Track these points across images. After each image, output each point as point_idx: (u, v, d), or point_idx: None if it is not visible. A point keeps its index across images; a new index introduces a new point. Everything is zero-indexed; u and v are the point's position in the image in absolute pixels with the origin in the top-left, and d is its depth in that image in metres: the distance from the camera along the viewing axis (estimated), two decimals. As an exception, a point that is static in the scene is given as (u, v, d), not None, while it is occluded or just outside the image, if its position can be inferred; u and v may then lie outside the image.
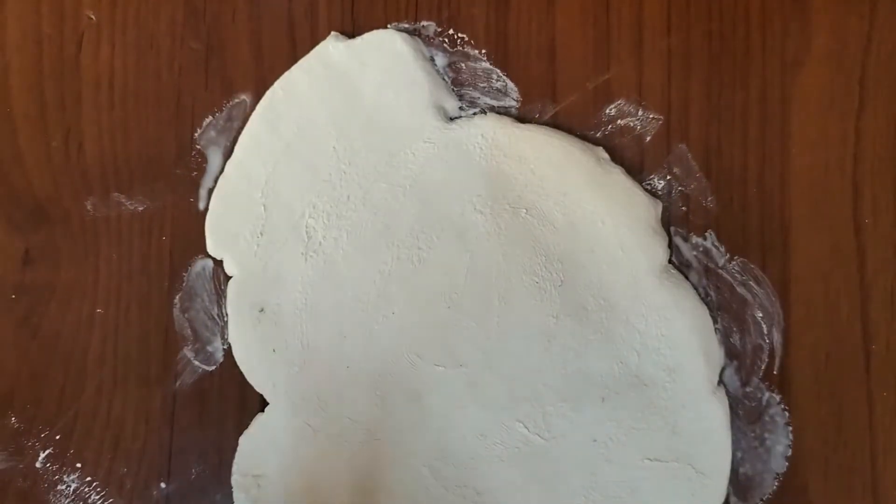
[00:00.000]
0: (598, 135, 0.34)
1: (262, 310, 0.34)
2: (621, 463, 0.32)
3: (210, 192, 0.35)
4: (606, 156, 0.33)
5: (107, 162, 0.36)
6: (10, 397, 0.35)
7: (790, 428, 0.32)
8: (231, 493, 0.34)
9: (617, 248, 0.32)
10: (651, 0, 0.34)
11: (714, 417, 0.31)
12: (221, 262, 0.35)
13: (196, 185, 0.35)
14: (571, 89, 0.34)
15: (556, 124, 0.34)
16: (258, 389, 0.34)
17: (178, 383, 0.35)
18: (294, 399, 0.34)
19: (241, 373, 0.34)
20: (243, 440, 0.34)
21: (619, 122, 0.34)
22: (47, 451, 0.35)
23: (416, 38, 0.34)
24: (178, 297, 0.35)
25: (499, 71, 0.34)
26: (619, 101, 0.34)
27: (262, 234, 0.35)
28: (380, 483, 0.33)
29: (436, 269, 0.33)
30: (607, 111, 0.34)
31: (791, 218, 0.33)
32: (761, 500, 0.32)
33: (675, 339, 0.32)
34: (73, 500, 0.35)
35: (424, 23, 0.35)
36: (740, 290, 0.33)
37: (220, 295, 0.35)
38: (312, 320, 0.34)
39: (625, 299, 0.32)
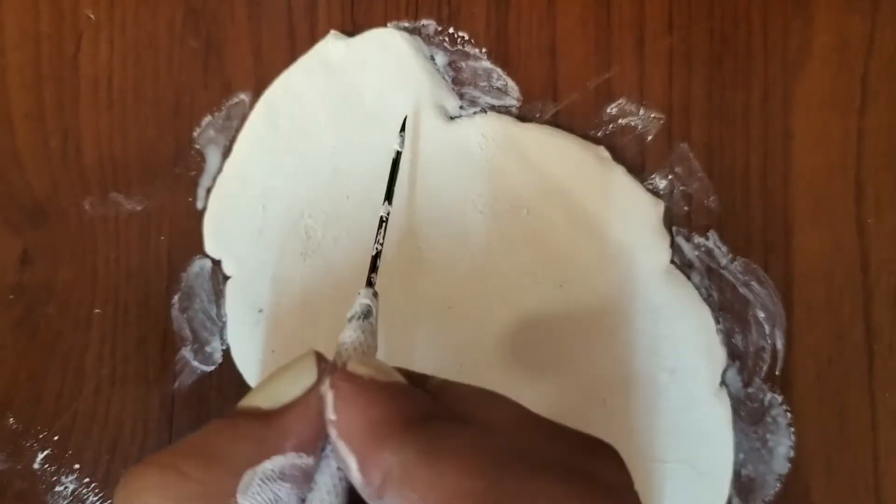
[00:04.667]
0: (599, 134, 0.33)
1: (261, 310, 0.34)
2: (622, 464, 0.32)
3: (209, 191, 0.35)
4: (608, 155, 0.33)
5: (105, 161, 0.36)
6: (7, 398, 0.35)
7: (792, 429, 0.32)
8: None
9: (618, 247, 0.32)
10: (652, -1, 0.34)
11: (716, 418, 0.31)
12: (220, 261, 0.35)
13: (195, 185, 0.35)
14: (572, 88, 0.34)
15: (556, 123, 0.34)
16: (257, 390, 0.34)
17: (176, 384, 0.35)
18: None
19: (240, 373, 0.34)
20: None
21: (620, 121, 0.33)
22: (45, 452, 0.35)
23: (416, 36, 0.34)
24: (176, 297, 0.35)
25: (499, 70, 0.34)
26: (620, 101, 0.33)
27: (261, 234, 0.34)
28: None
29: (436, 269, 0.33)
30: (608, 110, 0.33)
31: (794, 218, 0.33)
32: (763, 501, 0.32)
33: (677, 339, 0.32)
34: (71, 501, 0.35)
35: (424, 21, 0.34)
36: (742, 290, 0.32)
37: (219, 295, 0.35)
38: (312, 321, 0.34)
39: (625, 299, 0.32)
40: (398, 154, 0.31)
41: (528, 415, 0.19)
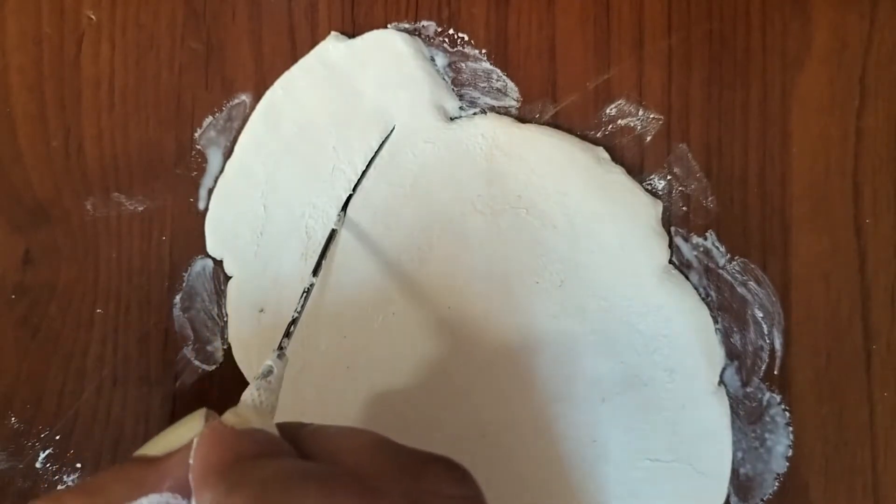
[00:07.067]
0: (598, 135, 0.34)
1: (262, 310, 0.34)
2: (621, 463, 0.32)
3: (210, 191, 0.35)
4: (607, 156, 0.33)
5: (107, 162, 0.36)
6: (9, 397, 0.35)
7: (791, 428, 0.32)
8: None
9: (617, 248, 0.32)
10: (651, 0, 0.34)
11: (714, 417, 0.31)
12: (221, 261, 0.35)
13: (196, 185, 0.35)
14: (572, 89, 0.34)
15: (556, 124, 0.34)
16: (258, 389, 0.34)
17: (178, 383, 0.35)
18: (294, 399, 0.34)
19: (241, 373, 0.34)
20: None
21: (619, 121, 0.34)
22: (47, 452, 0.35)
23: (417, 38, 0.34)
24: (178, 296, 0.35)
25: (499, 71, 0.34)
26: (619, 101, 0.34)
27: (262, 234, 0.35)
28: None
29: (436, 270, 0.33)
30: (607, 111, 0.34)
31: (792, 218, 0.33)
32: (762, 500, 0.32)
33: (676, 339, 0.32)
34: (73, 500, 0.35)
35: (424, 23, 0.35)
36: (741, 290, 0.33)
37: (221, 295, 0.35)
38: (312, 320, 0.34)
39: (625, 299, 0.32)
40: (333, 231, 0.32)
41: (379, 443, 0.21)
